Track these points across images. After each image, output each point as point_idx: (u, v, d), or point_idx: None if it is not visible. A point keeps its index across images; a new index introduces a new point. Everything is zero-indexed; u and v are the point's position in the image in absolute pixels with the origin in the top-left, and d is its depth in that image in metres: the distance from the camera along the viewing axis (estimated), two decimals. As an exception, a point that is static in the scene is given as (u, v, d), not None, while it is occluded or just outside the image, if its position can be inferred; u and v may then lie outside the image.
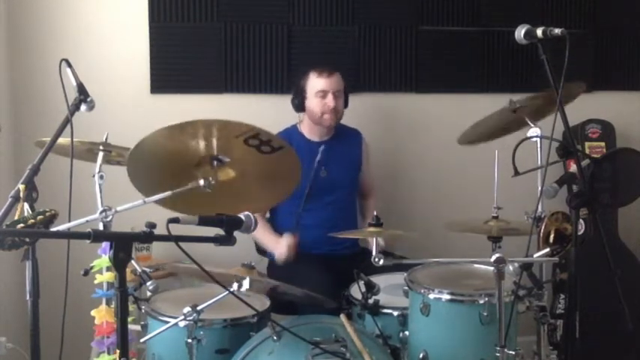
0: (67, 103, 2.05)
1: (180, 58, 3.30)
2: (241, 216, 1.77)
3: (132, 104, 3.27)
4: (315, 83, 2.96)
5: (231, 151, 2.04)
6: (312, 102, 2.97)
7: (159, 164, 2.07)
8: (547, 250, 2.08)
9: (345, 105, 3.06)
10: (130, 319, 1.69)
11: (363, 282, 2.30)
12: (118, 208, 1.97)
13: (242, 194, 2.14)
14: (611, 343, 2.96)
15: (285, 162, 2.08)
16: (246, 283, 1.98)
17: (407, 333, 2.27)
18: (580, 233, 1.97)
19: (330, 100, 2.94)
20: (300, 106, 3.02)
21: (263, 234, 2.97)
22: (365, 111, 3.43)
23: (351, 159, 3.15)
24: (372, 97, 3.49)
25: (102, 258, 2.35)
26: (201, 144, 2.00)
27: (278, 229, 3.00)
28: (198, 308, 2.01)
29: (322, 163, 2.86)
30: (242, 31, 3.33)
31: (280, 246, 2.85)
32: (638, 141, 3.61)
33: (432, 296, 2.19)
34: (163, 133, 1.94)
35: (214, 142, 2.00)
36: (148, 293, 2.17)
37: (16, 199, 1.86)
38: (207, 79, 3.34)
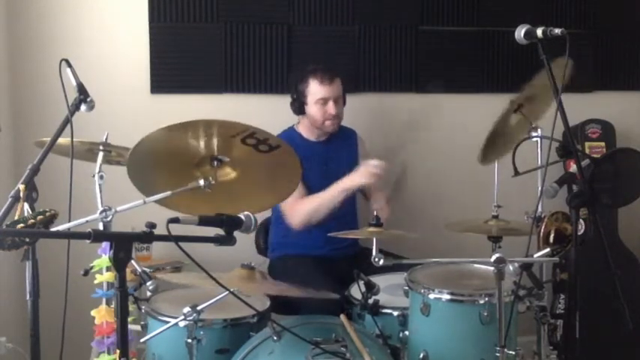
0: (67, 103, 2.05)
1: (180, 58, 3.30)
2: (241, 216, 1.77)
3: (132, 104, 3.26)
4: (316, 91, 2.93)
5: (230, 150, 2.03)
6: (313, 109, 2.95)
7: (159, 164, 2.07)
8: (547, 250, 2.08)
9: (343, 104, 3.05)
10: (130, 319, 1.69)
11: (363, 282, 2.29)
12: (118, 208, 1.97)
13: (242, 194, 2.14)
14: (611, 343, 2.96)
15: (284, 160, 2.07)
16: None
17: (407, 333, 2.26)
18: (580, 233, 1.97)
19: (331, 108, 2.92)
20: (300, 110, 3.00)
21: (314, 198, 2.85)
22: (365, 111, 3.43)
23: (350, 158, 3.13)
24: (372, 97, 3.49)
25: (102, 258, 2.35)
26: (201, 144, 2.00)
27: (288, 225, 2.93)
28: (198, 308, 2.01)
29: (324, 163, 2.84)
30: (242, 31, 3.33)
31: (358, 173, 2.76)
32: (638, 141, 3.61)
33: (432, 296, 2.19)
34: (163, 132, 1.94)
35: (214, 141, 2.00)
36: (148, 293, 2.19)
37: (16, 199, 1.87)
38: (207, 79, 3.34)
